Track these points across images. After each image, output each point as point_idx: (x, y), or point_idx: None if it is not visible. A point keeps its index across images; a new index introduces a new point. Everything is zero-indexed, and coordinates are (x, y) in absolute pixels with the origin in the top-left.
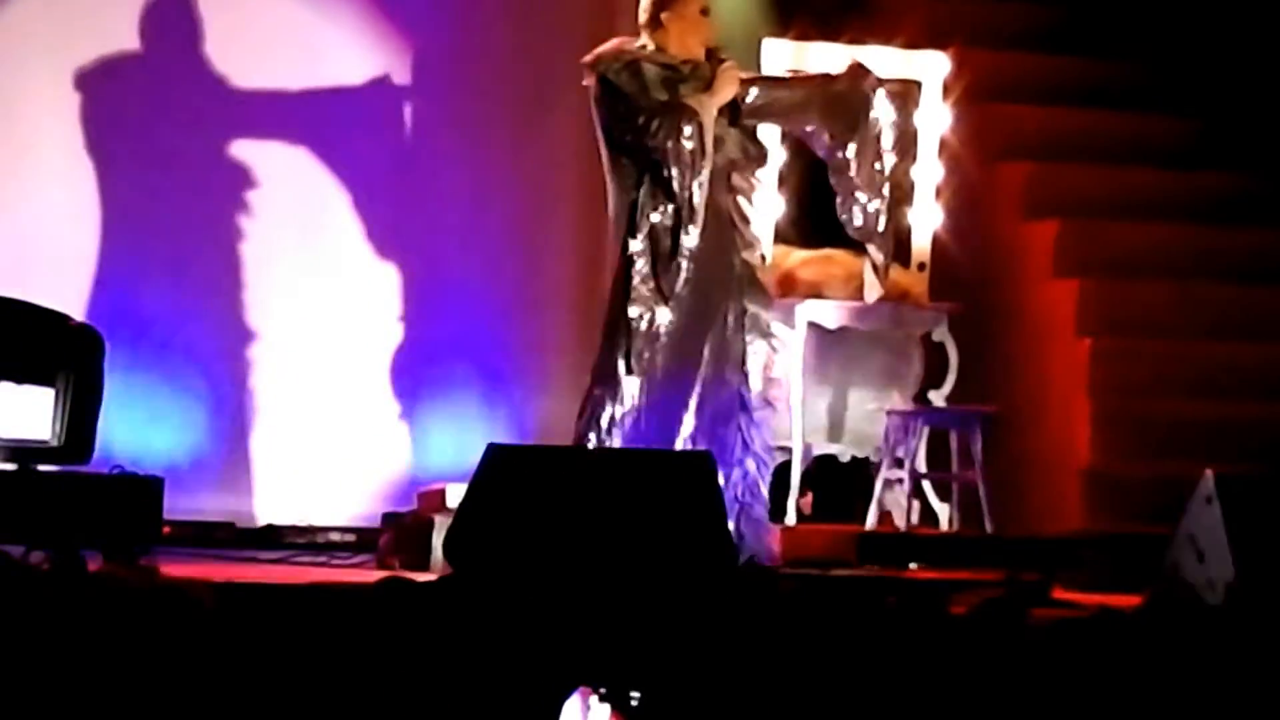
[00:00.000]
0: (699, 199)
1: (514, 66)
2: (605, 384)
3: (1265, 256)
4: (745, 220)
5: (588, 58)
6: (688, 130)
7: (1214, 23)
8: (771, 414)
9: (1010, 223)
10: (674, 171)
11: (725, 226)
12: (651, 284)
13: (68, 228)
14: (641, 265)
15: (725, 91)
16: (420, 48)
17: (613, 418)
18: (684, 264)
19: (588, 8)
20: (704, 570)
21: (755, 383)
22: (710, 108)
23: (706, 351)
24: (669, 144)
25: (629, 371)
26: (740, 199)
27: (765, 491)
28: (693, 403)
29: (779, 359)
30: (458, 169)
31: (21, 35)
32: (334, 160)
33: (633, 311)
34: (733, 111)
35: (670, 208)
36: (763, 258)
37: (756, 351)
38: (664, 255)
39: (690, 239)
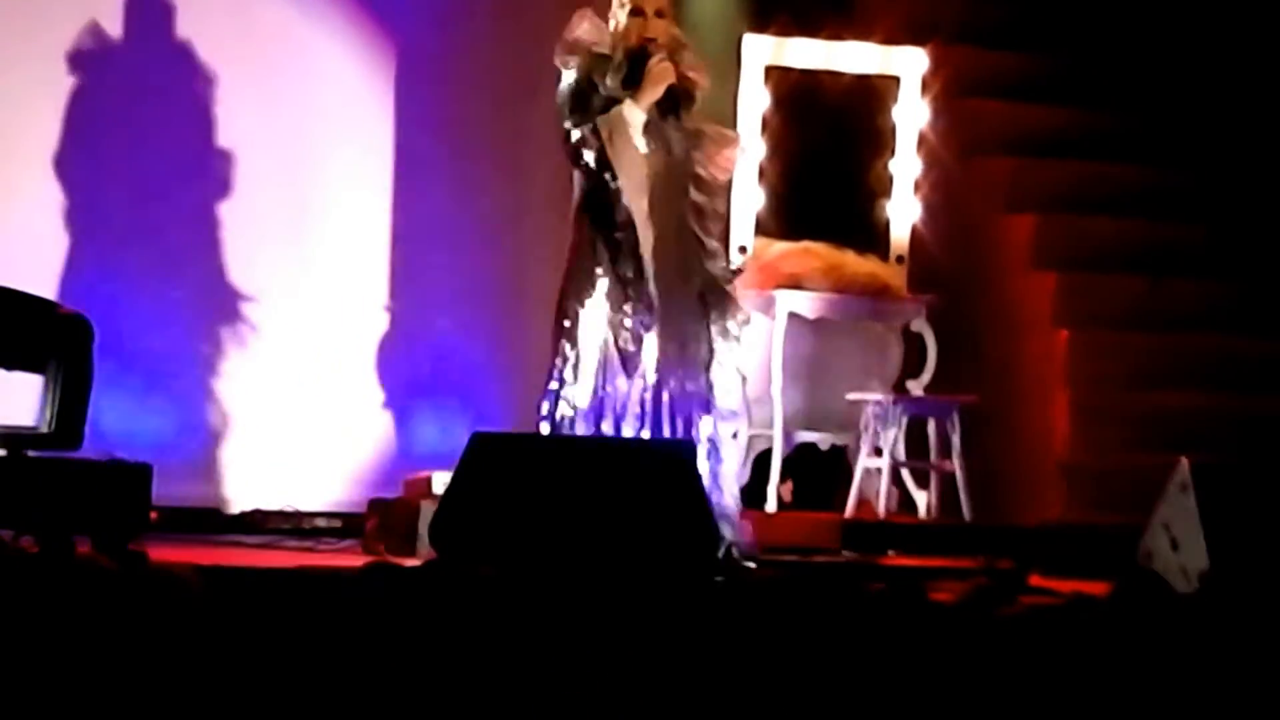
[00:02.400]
0: (636, 206)
1: (497, 63)
2: (560, 382)
3: (1243, 250)
4: (707, 233)
5: (557, 60)
6: (607, 140)
7: (1191, 25)
8: (736, 419)
9: (987, 216)
10: (608, 179)
11: (687, 239)
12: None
13: (54, 217)
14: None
15: (653, 91)
16: (404, 45)
17: (571, 419)
18: (632, 269)
19: (570, 6)
20: (686, 557)
21: (720, 389)
22: (634, 111)
23: (668, 359)
24: (596, 161)
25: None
26: (703, 210)
27: (735, 486)
28: (653, 408)
29: (744, 364)
30: (442, 163)
31: (7, 29)
32: (319, 153)
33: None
34: (671, 102)
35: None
36: (743, 249)
37: (723, 358)
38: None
39: (629, 241)
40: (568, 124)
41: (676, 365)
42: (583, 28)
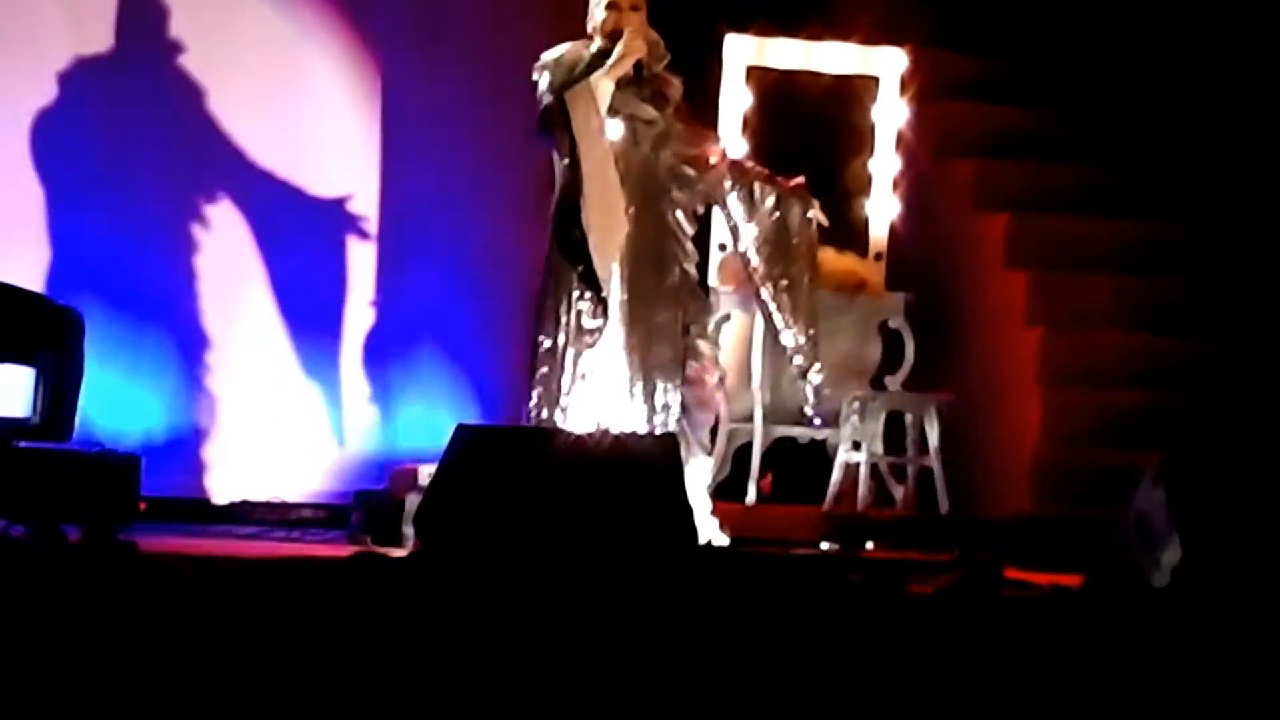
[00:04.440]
0: (593, 184)
1: (482, 65)
2: (540, 386)
3: (1211, 249)
4: (685, 234)
5: (535, 74)
6: (572, 108)
7: (1162, 26)
8: (710, 417)
9: (963, 215)
10: (579, 154)
11: (666, 237)
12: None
13: (44, 213)
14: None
15: (623, 63)
16: (391, 45)
17: (554, 418)
18: (617, 269)
19: (555, 8)
20: (666, 549)
21: (698, 387)
22: (603, 82)
23: (645, 358)
24: (565, 134)
25: (561, 375)
26: (680, 213)
27: (706, 491)
28: (632, 407)
29: (720, 360)
30: (428, 160)
31: None
32: (306, 149)
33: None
34: (637, 74)
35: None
36: (723, 246)
37: (696, 358)
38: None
39: (591, 216)
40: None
41: (650, 361)
42: (558, 48)
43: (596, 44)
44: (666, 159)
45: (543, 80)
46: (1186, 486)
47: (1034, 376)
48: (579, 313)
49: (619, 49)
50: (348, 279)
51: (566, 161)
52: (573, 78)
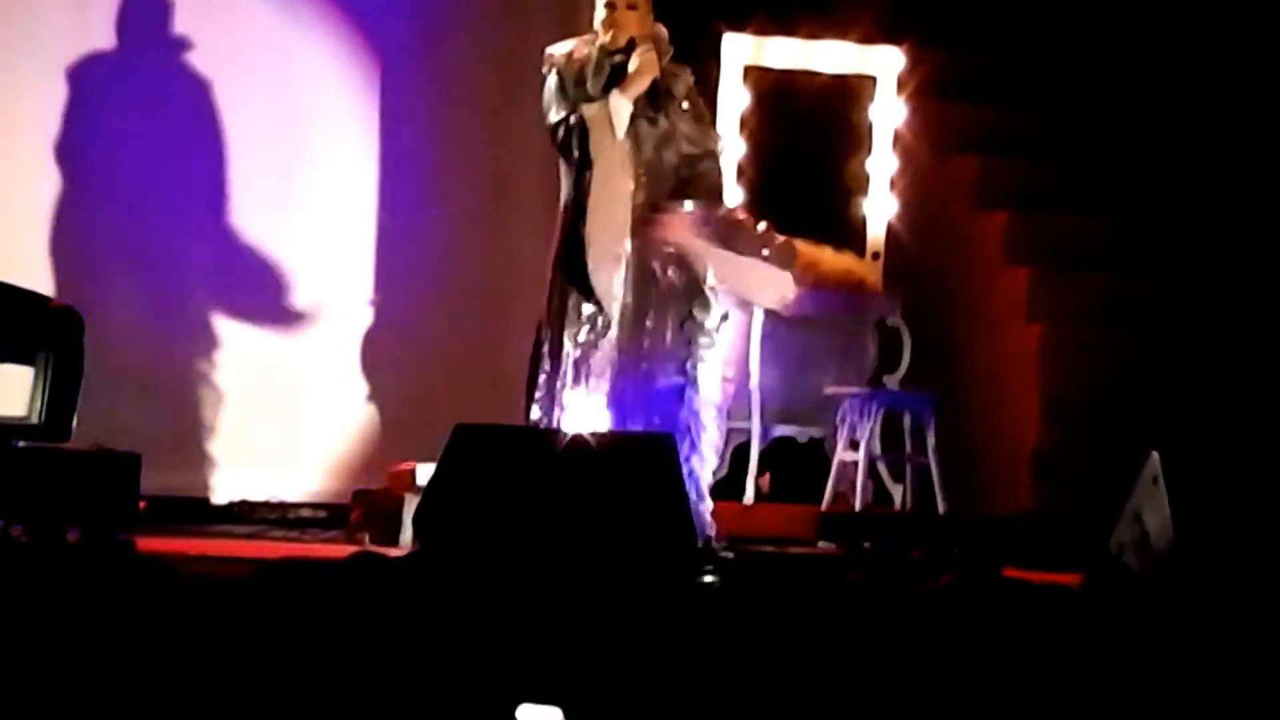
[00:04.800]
0: (608, 193)
1: (480, 63)
2: (542, 386)
3: (1211, 246)
4: None
5: (547, 51)
6: (594, 132)
7: (1161, 26)
8: (717, 415)
9: (961, 213)
10: (590, 170)
11: None
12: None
13: (44, 212)
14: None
15: (640, 81)
16: (388, 45)
17: (554, 418)
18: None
19: (553, 5)
20: (664, 548)
21: (701, 386)
22: (621, 102)
23: (647, 358)
24: (578, 153)
25: (562, 375)
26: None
27: (707, 489)
28: (631, 406)
29: (722, 361)
30: (427, 161)
31: (1, 29)
32: (306, 151)
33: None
34: (652, 97)
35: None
36: None
37: (702, 356)
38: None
39: (594, 231)
40: (552, 117)
41: (653, 362)
42: (566, 43)
43: (602, 40)
44: (670, 159)
45: (552, 78)
46: (1186, 484)
47: (1033, 373)
48: (580, 313)
49: (633, 65)
50: (347, 277)
51: (574, 174)
52: (583, 82)
